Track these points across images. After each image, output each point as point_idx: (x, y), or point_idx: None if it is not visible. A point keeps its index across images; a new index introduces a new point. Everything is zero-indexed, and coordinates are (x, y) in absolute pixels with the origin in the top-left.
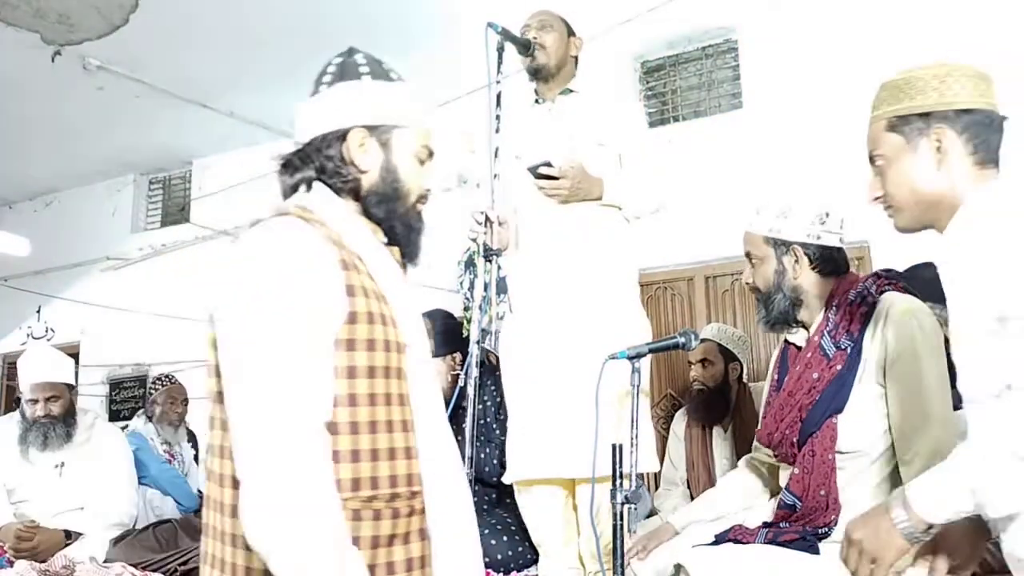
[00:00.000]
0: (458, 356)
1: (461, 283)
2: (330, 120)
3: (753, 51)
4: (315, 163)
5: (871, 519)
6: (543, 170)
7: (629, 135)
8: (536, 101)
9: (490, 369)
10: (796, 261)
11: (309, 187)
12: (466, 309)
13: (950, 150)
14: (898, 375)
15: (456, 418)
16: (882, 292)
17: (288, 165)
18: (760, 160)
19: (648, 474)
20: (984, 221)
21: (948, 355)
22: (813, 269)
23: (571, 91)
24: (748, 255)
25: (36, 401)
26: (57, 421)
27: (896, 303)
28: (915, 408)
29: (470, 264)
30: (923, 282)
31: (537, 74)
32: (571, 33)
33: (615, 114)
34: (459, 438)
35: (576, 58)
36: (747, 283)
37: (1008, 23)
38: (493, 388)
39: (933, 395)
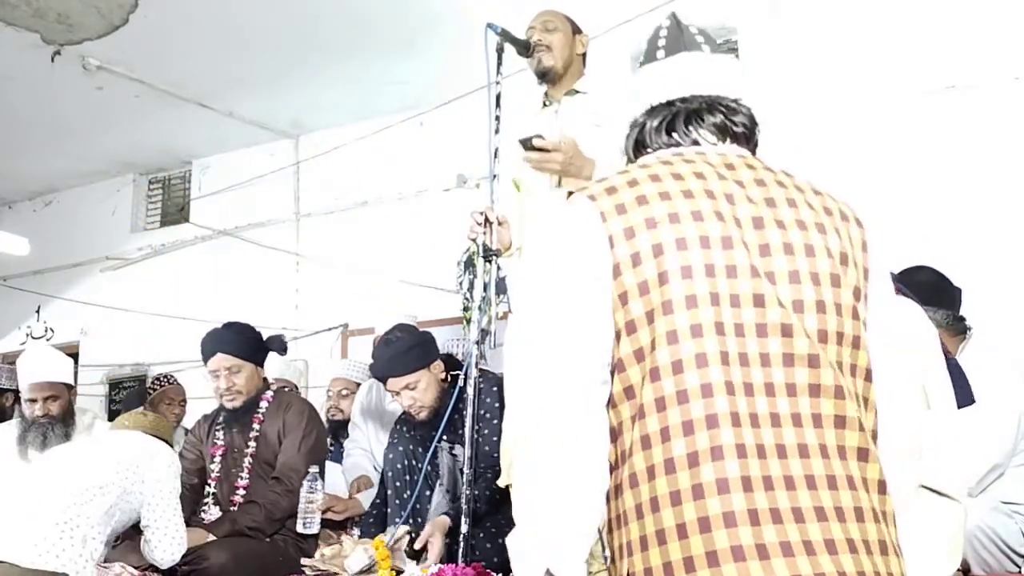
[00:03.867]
0: (440, 364)
1: (460, 283)
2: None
3: (753, 52)
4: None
5: None
6: (536, 142)
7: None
8: (544, 104)
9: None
10: None
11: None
12: (465, 309)
13: None
14: None
15: (452, 422)
16: None
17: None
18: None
19: None
20: None
21: (946, 355)
22: None
23: (577, 92)
24: None
25: (35, 401)
26: (56, 421)
27: None
28: None
29: (469, 264)
30: (917, 285)
31: (544, 77)
32: (577, 31)
33: (618, 105)
34: (457, 440)
35: (584, 56)
36: None
37: (1000, 27)
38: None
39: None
